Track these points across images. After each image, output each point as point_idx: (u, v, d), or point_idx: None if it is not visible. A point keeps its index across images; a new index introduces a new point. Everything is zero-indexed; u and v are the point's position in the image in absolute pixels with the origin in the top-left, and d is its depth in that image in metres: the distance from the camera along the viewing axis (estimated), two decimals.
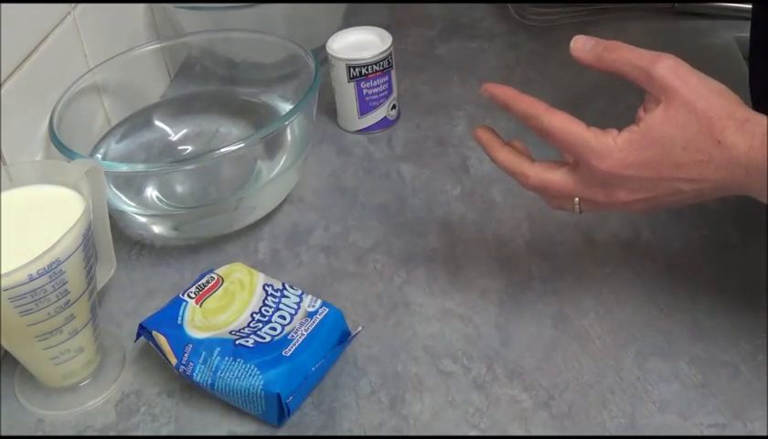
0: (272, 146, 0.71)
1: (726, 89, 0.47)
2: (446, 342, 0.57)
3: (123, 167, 0.65)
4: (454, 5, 1.00)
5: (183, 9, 0.82)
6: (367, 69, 0.76)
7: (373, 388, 0.55)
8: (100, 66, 0.74)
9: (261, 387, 0.51)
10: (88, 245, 0.51)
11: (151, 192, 0.69)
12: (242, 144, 0.62)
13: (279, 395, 0.51)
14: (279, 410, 0.52)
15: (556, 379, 0.54)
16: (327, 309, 0.56)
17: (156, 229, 0.68)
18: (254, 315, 0.57)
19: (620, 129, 0.49)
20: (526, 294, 0.60)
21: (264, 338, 0.54)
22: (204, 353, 0.53)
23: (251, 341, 0.54)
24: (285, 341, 0.54)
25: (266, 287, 0.58)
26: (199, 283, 0.59)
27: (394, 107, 0.80)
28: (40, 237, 0.49)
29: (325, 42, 0.78)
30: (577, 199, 0.51)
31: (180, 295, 0.58)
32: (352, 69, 0.76)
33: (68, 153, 0.62)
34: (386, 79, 0.78)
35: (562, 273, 0.62)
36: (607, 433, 0.50)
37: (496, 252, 0.64)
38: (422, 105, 0.83)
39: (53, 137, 0.64)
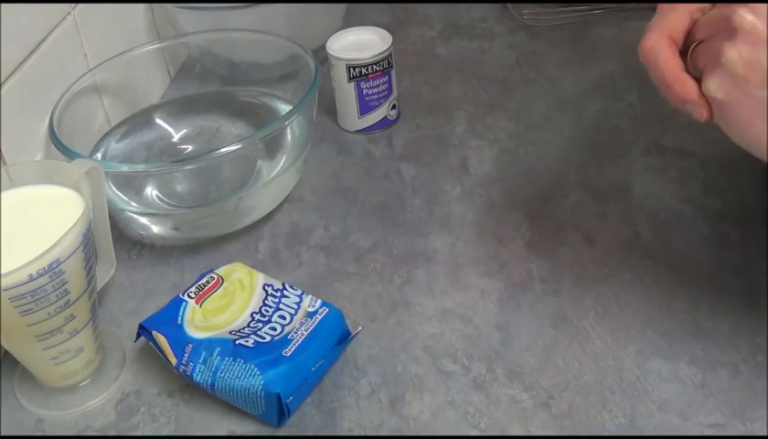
0: (271, 146, 0.71)
1: None
2: (446, 342, 0.57)
3: (124, 167, 0.65)
4: (454, 5, 1.00)
5: (183, 9, 0.82)
6: (367, 69, 0.76)
7: (373, 388, 0.55)
8: (100, 66, 0.74)
9: (260, 387, 0.51)
10: (88, 245, 0.51)
11: (151, 192, 0.69)
12: (242, 144, 0.62)
13: (279, 395, 0.51)
14: (279, 410, 0.52)
15: (556, 379, 0.54)
16: (327, 309, 0.56)
17: (156, 229, 0.68)
18: (254, 315, 0.57)
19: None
20: (526, 294, 0.60)
21: (264, 338, 0.54)
22: (204, 353, 0.53)
23: (251, 341, 0.54)
24: (285, 341, 0.54)
25: (266, 287, 0.58)
26: (199, 283, 0.59)
27: (394, 107, 0.80)
28: (40, 237, 0.49)
29: (325, 42, 0.78)
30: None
31: (180, 295, 0.58)
32: (352, 69, 0.76)
33: (68, 153, 0.62)
34: (386, 79, 0.78)
35: (562, 273, 0.62)
36: (607, 433, 0.50)
37: (496, 252, 0.64)
38: (422, 105, 0.83)
39: (53, 137, 0.64)
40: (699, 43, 0.47)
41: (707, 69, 0.46)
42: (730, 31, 0.44)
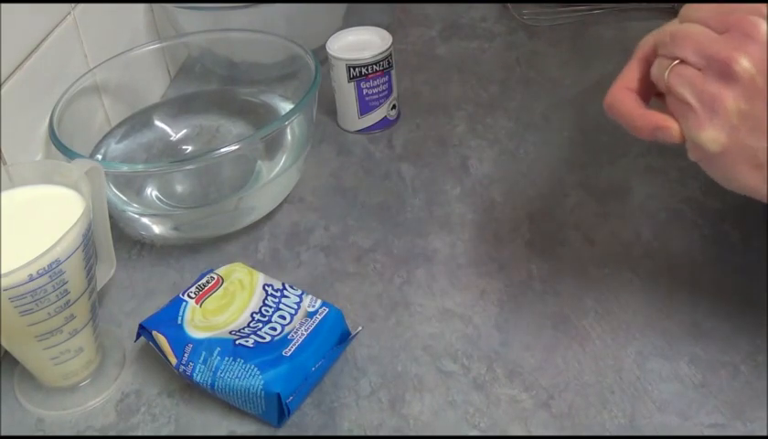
0: (271, 146, 0.71)
1: None
2: (446, 342, 0.57)
3: (124, 167, 0.65)
4: (454, 5, 1.00)
5: (183, 9, 0.82)
6: (367, 69, 0.76)
7: (373, 388, 0.55)
8: (100, 66, 0.74)
9: (260, 387, 0.51)
10: (88, 245, 0.51)
11: (151, 192, 0.69)
12: (242, 144, 0.62)
13: (279, 395, 0.51)
14: (279, 410, 0.52)
15: (556, 379, 0.54)
16: (327, 309, 0.56)
17: (156, 229, 0.68)
18: (254, 315, 0.57)
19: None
20: (526, 294, 0.60)
21: (264, 338, 0.54)
22: (204, 353, 0.53)
23: (251, 341, 0.54)
24: (285, 341, 0.54)
25: (266, 287, 0.58)
26: (199, 283, 0.59)
27: (394, 107, 0.80)
28: (40, 237, 0.49)
29: (325, 42, 0.78)
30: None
31: (180, 295, 0.58)
32: (352, 69, 0.76)
33: (68, 153, 0.62)
34: (386, 79, 0.78)
35: (562, 273, 0.62)
36: (607, 433, 0.51)
37: (496, 252, 0.64)
38: (422, 105, 0.83)
39: (53, 137, 0.64)
40: (680, 62, 0.46)
41: (698, 114, 0.45)
42: (727, 76, 0.43)
